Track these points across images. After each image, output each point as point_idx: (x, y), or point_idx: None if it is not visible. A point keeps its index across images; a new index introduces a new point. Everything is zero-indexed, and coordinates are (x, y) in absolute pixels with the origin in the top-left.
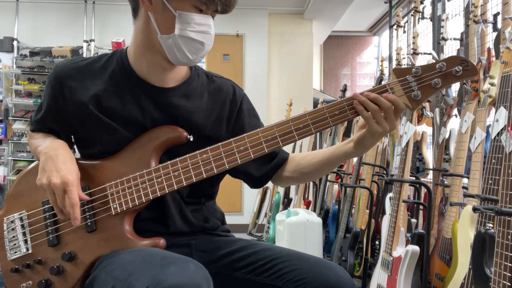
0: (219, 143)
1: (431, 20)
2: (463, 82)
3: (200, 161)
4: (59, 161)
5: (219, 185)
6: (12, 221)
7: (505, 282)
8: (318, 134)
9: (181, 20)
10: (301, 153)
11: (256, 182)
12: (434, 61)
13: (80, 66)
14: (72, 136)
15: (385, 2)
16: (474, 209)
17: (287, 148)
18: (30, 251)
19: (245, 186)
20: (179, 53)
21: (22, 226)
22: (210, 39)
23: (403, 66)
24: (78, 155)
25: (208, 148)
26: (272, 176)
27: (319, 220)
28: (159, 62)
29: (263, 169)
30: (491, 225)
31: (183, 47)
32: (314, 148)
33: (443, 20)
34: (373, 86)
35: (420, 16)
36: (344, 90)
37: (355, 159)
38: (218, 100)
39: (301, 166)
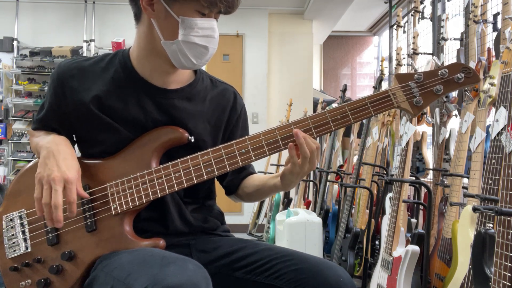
0: (221, 145)
1: (431, 20)
2: (464, 90)
3: (201, 163)
4: (60, 157)
5: (214, 185)
6: (11, 220)
7: (505, 282)
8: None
9: (184, 26)
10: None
11: (225, 189)
12: (433, 61)
13: (82, 66)
14: (74, 136)
15: (385, 2)
16: (474, 209)
17: None
18: (29, 250)
19: None
20: (183, 58)
21: (22, 224)
22: (214, 42)
23: (405, 71)
24: (79, 154)
25: (209, 149)
26: (237, 188)
27: (319, 220)
28: (162, 66)
29: (232, 179)
30: (491, 225)
31: (187, 52)
32: None
33: (443, 20)
34: (373, 86)
35: (420, 16)
36: (344, 90)
37: (355, 159)
38: (219, 105)
39: (246, 185)
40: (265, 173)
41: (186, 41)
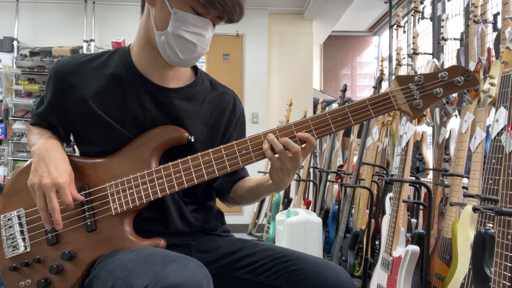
0: (221, 146)
1: (431, 20)
2: (464, 92)
3: (202, 163)
4: (51, 162)
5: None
6: (9, 219)
7: (505, 282)
8: None
9: (176, 18)
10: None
11: (216, 192)
12: (433, 63)
13: (81, 62)
14: (71, 134)
15: (385, 2)
16: (474, 209)
17: None
18: (28, 250)
19: None
20: (170, 51)
21: (20, 224)
22: (204, 42)
23: (404, 72)
24: (77, 153)
25: (210, 150)
26: (229, 191)
27: (319, 220)
28: (158, 59)
29: (223, 182)
30: (491, 225)
31: (174, 46)
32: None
33: (443, 20)
34: (373, 86)
35: (420, 16)
36: (344, 90)
37: (355, 159)
38: (217, 108)
39: (238, 188)
40: (265, 173)
41: (175, 33)
